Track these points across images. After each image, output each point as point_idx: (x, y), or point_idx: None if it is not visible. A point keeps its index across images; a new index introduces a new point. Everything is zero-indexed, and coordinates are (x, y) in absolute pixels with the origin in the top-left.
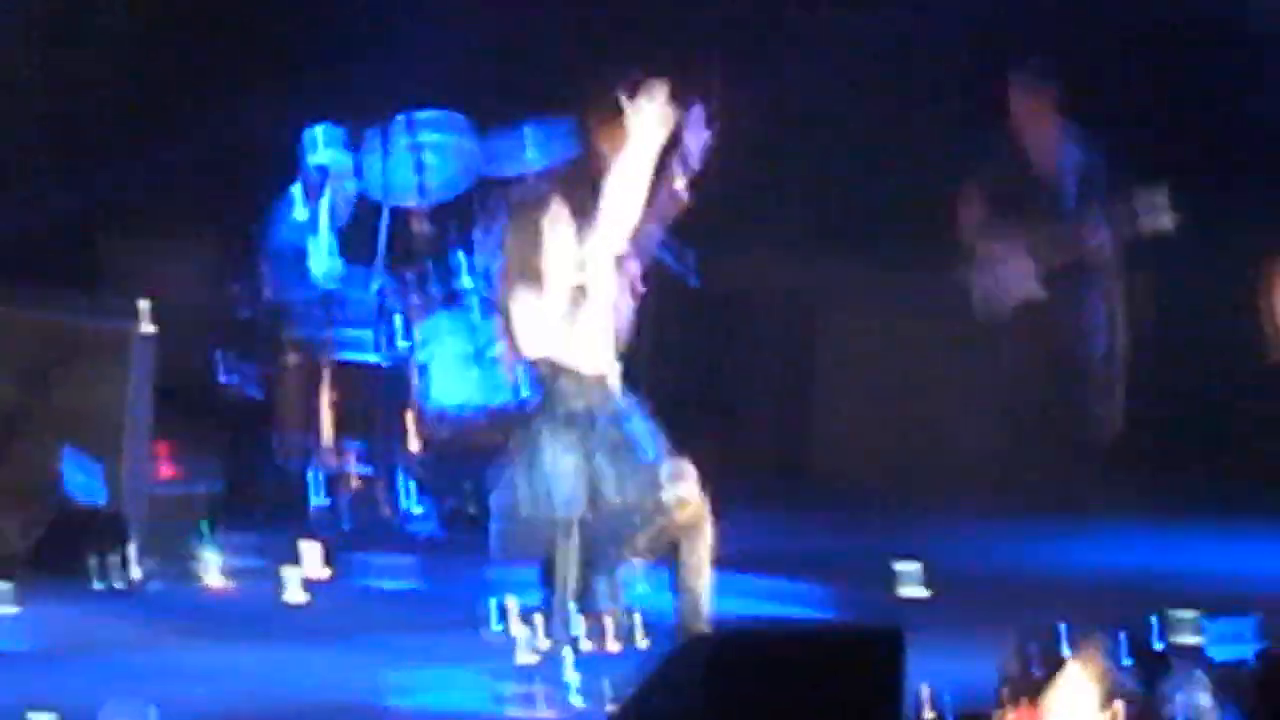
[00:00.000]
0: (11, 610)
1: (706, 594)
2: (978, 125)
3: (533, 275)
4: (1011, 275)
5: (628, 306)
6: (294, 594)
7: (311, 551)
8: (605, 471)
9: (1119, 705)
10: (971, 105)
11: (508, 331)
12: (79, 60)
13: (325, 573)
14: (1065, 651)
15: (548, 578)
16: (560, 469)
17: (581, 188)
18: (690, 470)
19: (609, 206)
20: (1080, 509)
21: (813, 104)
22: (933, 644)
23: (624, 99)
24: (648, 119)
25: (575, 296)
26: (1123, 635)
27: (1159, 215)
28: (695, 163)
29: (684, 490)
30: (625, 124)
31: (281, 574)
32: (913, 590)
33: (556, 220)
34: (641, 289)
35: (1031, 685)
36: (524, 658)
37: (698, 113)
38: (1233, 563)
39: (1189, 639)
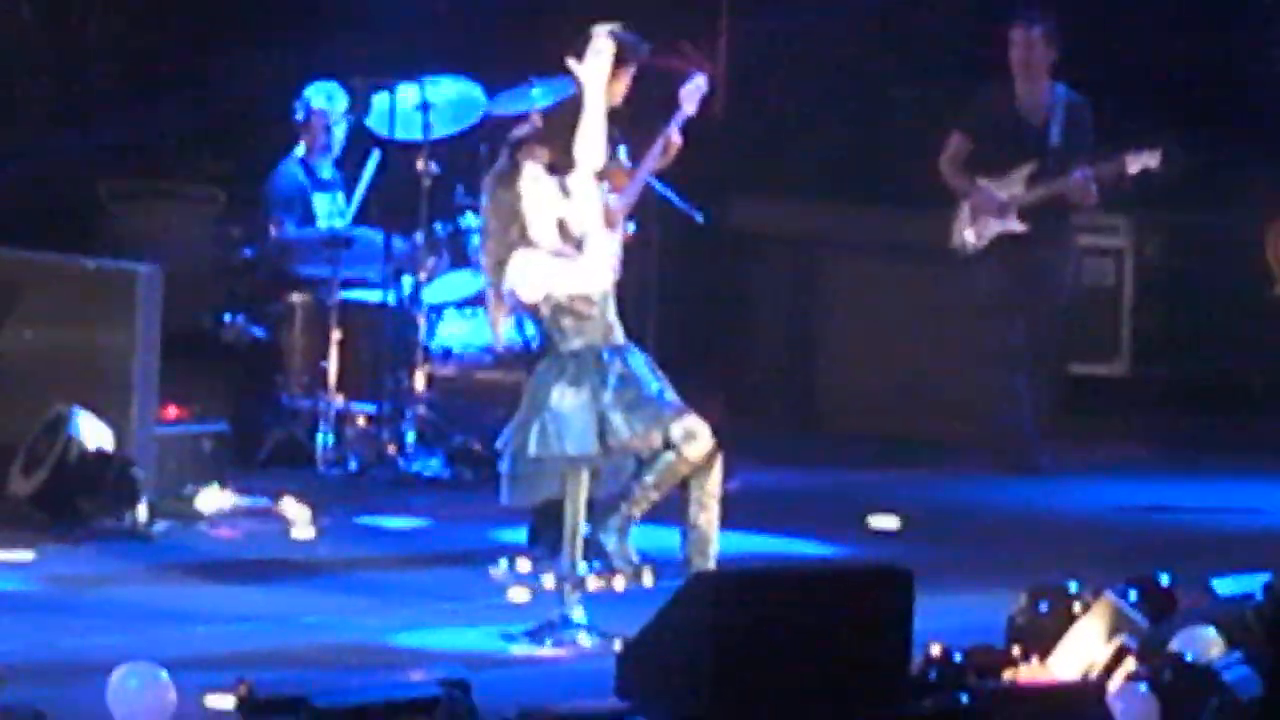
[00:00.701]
0: (26, 556)
1: (714, 530)
2: (980, 71)
3: (519, 230)
4: (990, 214)
5: (618, 244)
6: (300, 534)
7: (318, 490)
8: (613, 408)
9: (1125, 640)
10: (974, 51)
11: (495, 279)
12: (82, 11)
13: (331, 512)
14: (1075, 606)
15: (556, 519)
16: (568, 407)
17: (563, 132)
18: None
19: (580, 148)
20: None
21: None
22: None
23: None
24: (596, 63)
25: (563, 237)
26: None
27: (1146, 161)
28: (690, 108)
29: (691, 423)
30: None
31: (287, 514)
32: (883, 522)
33: (530, 170)
34: (628, 229)
35: (1041, 635)
36: (530, 597)
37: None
38: (1243, 504)
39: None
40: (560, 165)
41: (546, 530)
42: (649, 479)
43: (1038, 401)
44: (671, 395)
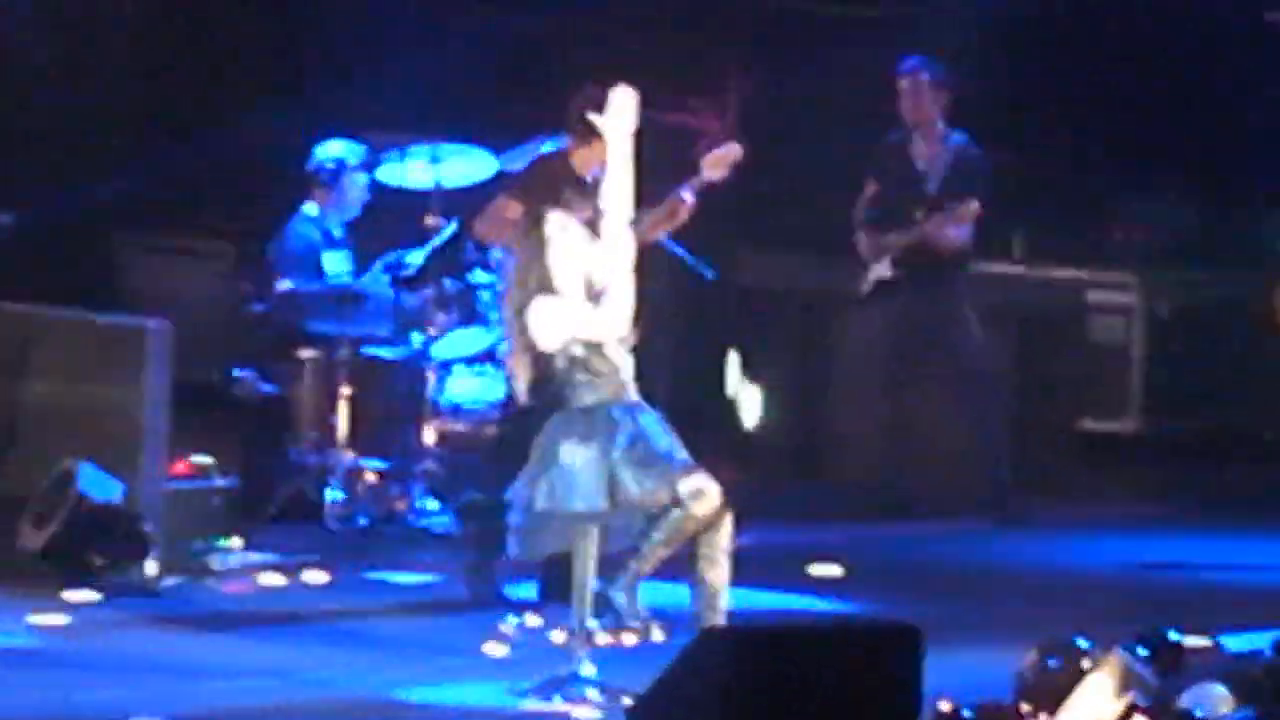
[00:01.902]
0: (46, 610)
1: (724, 587)
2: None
3: (541, 276)
4: (877, 261)
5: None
6: (310, 590)
7: (327, 547)
8: (623, 465)
9: (1135, 697)
10: (983, 108)
11: (517, 330)
12: (93, 65)
13: (342, 568)
14: (1085, 663)
15: (566, 575)
16: (578, 463)
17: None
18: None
19: (608, 199)
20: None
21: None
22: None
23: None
24: (620, 117)
25: (586, 289)
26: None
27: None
28: (714, 175)
29: (700, 482)
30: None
31: (297, 570)
32: (825, 570)
33: (557, 219)
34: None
35: (1050, 692)
36: (508, 651)
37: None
38: (1254, 561)
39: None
40: (536, 216)
41: (556, 585)
42: (657, 536)
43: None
44: (681, 453)
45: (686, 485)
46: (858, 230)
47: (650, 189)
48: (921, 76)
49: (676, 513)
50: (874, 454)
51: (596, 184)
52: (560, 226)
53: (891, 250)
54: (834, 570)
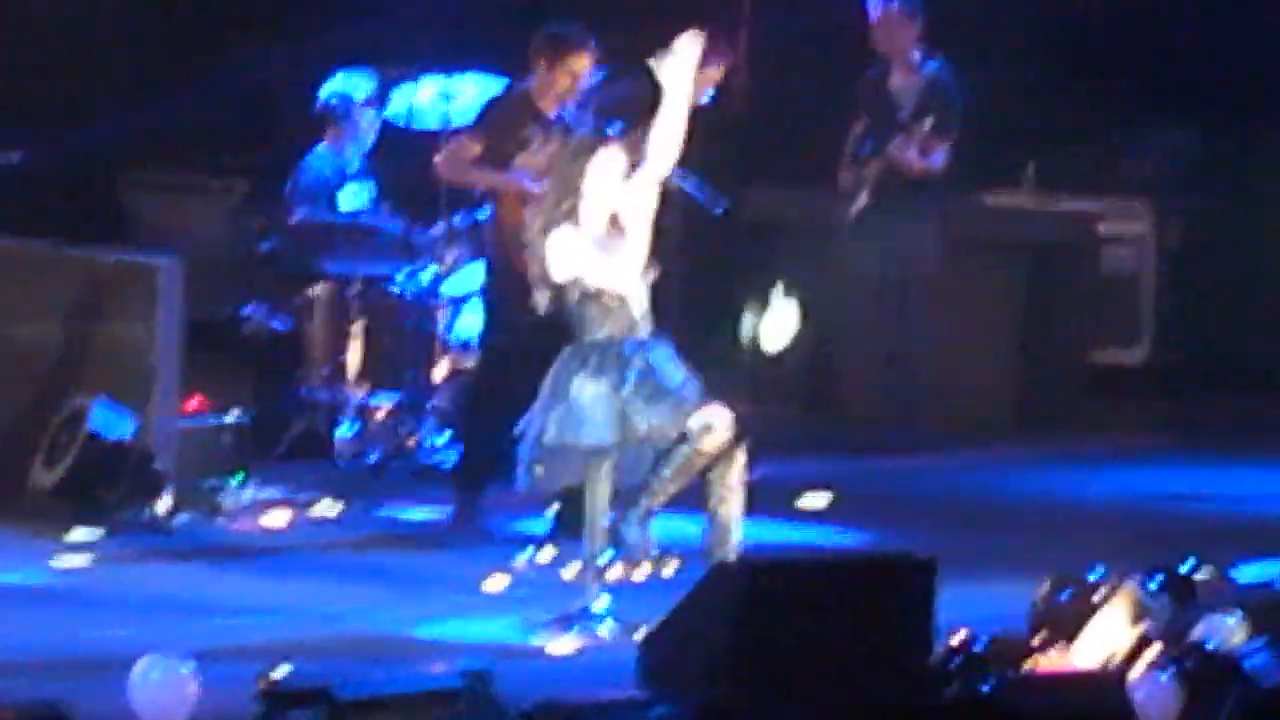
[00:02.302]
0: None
1: (737, 520)
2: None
3: (572, 205)
4: (858, 192)
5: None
6: (321, 526)
7: (337, 482)
8: (632, 398)
9: (1147, 628)
10: (1002, 38)
11: (538, 249)
12: (100, 1)
13: (352, 504)
14: (1097, 595)
15: (577, 509)
16: (588, 396)
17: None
18: (713, 400)
19: (655, 149)
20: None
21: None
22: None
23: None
24: (682, 66)
25: (610, 227)
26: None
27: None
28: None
29: (708, 416)
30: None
31: (308, 505)
32: (812, 501)
33: (607, 155)
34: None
35: (1063, 624)
36: (507, 584)
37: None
38: (1266, 491)
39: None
40: (494, 156)
41: (568, 521)
42: (666, 472)
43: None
44: (693, 387)
45: (695, 420)
46: (842, 166)
47: None
48: (891, 6)
49: (685, 448)
50: (873, 387)
51: (561, 121)
52: (604, 162)
53: (869, 180)
54: (821, 501)
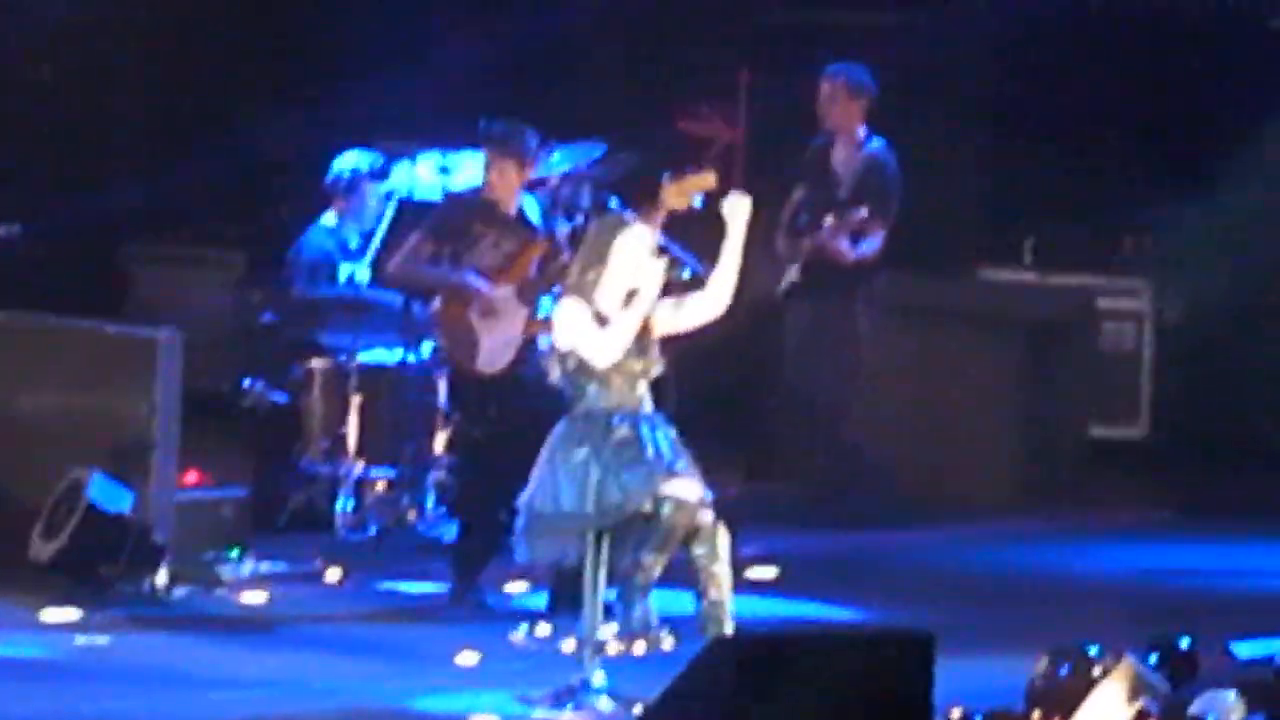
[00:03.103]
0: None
1: (727, 598)
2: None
3: (596, 276)
4: (791, 264)
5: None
6: (321, 600)
7: (337, 556)
8: (610, 467)
9: (1146, 704)
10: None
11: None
12: (102, 76)
13: (352, 578)
14: (1096, 670)
15: (576, 584)
16: (569, 464)
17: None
18: (693, 473)
19: (710, 294)
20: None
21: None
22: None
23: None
24: (738, 217)
25: (623, 304)
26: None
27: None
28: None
29: (677, 489)
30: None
31: (307, 578)
32: (761, 573)
33: (637, 231)
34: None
35: (1061, 699)
36: (478, 660)
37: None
38: (1264, 567)
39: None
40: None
41: (566, 595)
42: (649, 546)
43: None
44: (680, 461)
45: (665, 490)
46: (779, 233)
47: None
48: (838, 81)
49: (659, 522)
50: (876, 461)
51: (520, 217)
52: (630, 242)
53: (800, 255)
54: (769, 573)
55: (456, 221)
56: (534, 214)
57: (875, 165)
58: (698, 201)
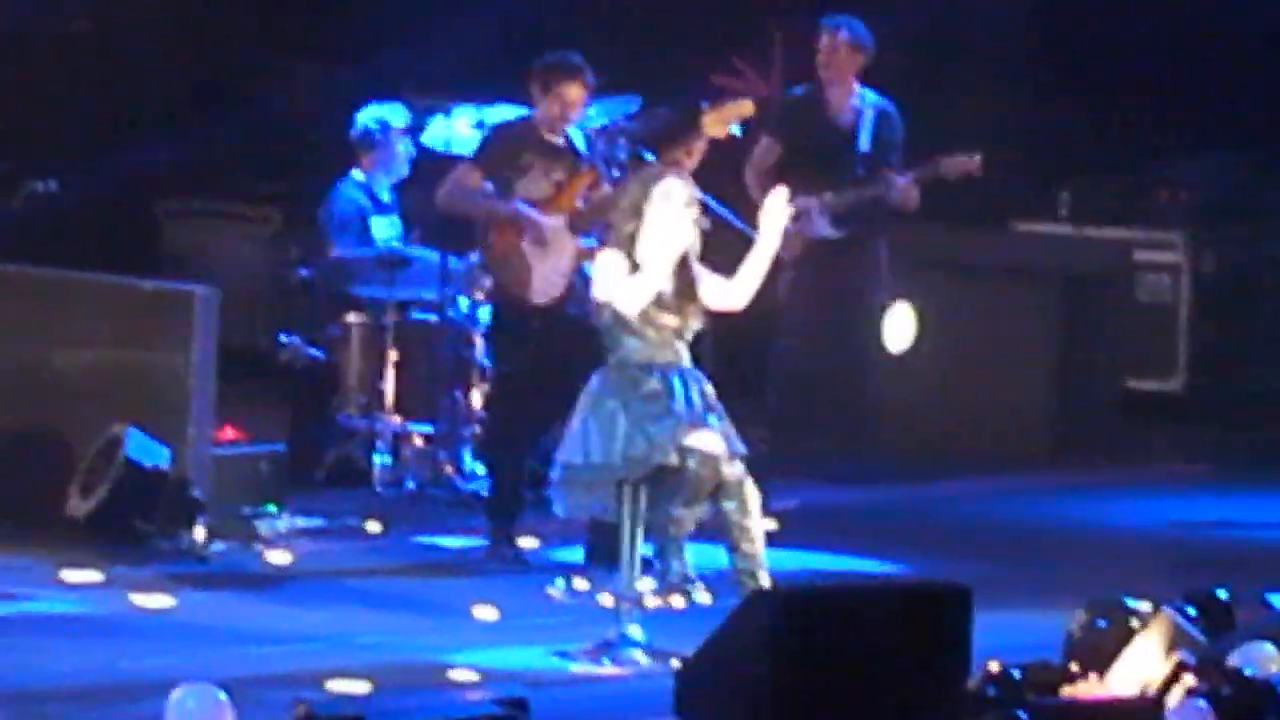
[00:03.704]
0: (84, 577)
1: (759, 553)
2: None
3: (634, 229)
4: (809, 219)
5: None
6: (358, 555)
7: (375, 511)
8: (636, 421)
9: (1183, 656)
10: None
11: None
12: (136, 31)
13: (389, 533)
14: (1133, 622)
15: (613, 538)
16: (598, 415)
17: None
18: (719, 427)
19: (738, 283)
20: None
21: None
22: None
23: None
24: (773, 220)
25: (669, 264)
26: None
27: (963, 166)
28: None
29: (702, 442)
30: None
31: (344, 533)
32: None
33: (673, 183)
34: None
35: (1099, 651)
36: (587, 615)
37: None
38: None
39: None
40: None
41: (603, 548)
42: (679, 499)
43: (866, 405)
44: (693, 414)
45: (689, 443)
46: (759, 187)
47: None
48: (840, 34)
49: (685, 475)
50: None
51: (568, 145)
52: (665, 194)
53: (839, 207)
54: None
55: (507, 150)
56: (579, 143)
57: (890, 117)
58: (736, 129)
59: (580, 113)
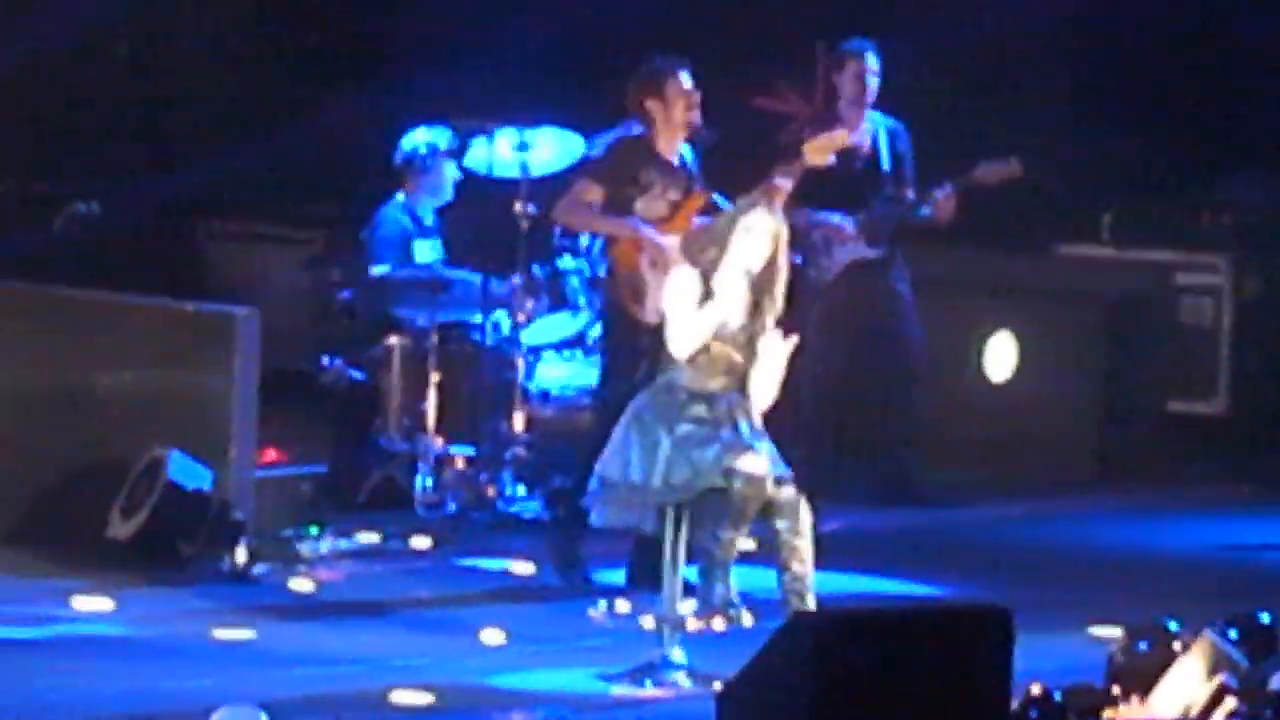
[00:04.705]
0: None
1: (809, 573)
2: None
3: (717, 255)
4: (843, 241)
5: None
6: (400, 577)
7: (417, 533)
8: (679, 445)
9: (1225, 679)
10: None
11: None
12: (178, 54)
13: (431, 554)
14: (1175, 645)
15: (655, 560)
16: (643, 436)
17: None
18: (767, 450)
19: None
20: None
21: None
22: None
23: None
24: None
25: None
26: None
27: (1001, 172)
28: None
29: (748, 464)
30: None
31: (386, 555)
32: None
33: (761, 215)
34: None
35: (1141, 674)
36: (630, 637)
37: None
38: None
39: None
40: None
41: (645, 570)
42: (724, 522)
43: (912, 422)
44: (738, 437)
45: (737, 465)
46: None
47: (740, 175)
48: (872, 59)
49: (731, 497)
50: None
51: (684, 167)
52: (748, 227)
53: (875, 227)
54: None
55: (628, 167)
56: (691, 163)
57: (899, 132)
58: (832, 159)
59: (683, 134)
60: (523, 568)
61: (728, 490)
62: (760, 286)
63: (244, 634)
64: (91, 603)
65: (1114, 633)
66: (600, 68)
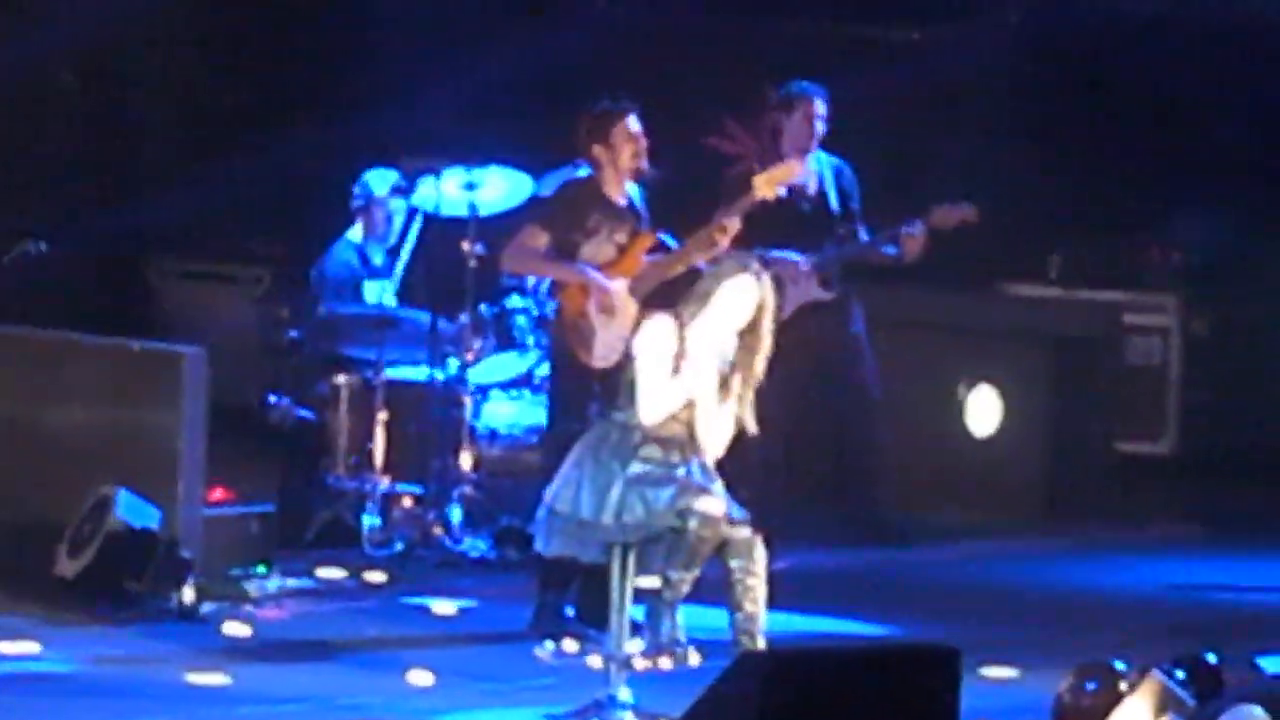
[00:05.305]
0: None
1: (760, 613)
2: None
3: (696, 311)
4: (794, 283)
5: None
6: (347, 616)
7: (364, 572)
8: (634, 485)
9: (1172, 717)
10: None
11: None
12: (127, 91)
13: (379, 593)
14: (1122, 685)
15: (602, 598)
16: (595, 472)
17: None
18: (721, 491)
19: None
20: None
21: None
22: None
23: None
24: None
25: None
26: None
27: (961, 214)
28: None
29: (704, 505)
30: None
31: (334, 594)
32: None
33: (746, 281)
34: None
35: (1088, 714)
36: (576, 677)
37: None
38: None
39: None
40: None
41: (592, 609)
42: (677, 561)
43: (878, 454)
44: (694, 476)
45: (693, 505)
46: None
47: (686, 213)
48: (821, 103)
49: (689, 538)
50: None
51: (631, 208)
52: (734, 290)
53: (829, 268)
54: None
55: (574, 212)
56: (638, 203)
57: (843, 171)
58: (783, 191)
59: (629, 175)
60: (471, 606)
61: (682, 531)
62: (737, 355)
63: (191, 674)
64: (37, 640)
65: (1062, 672)
66: (549, 107)
